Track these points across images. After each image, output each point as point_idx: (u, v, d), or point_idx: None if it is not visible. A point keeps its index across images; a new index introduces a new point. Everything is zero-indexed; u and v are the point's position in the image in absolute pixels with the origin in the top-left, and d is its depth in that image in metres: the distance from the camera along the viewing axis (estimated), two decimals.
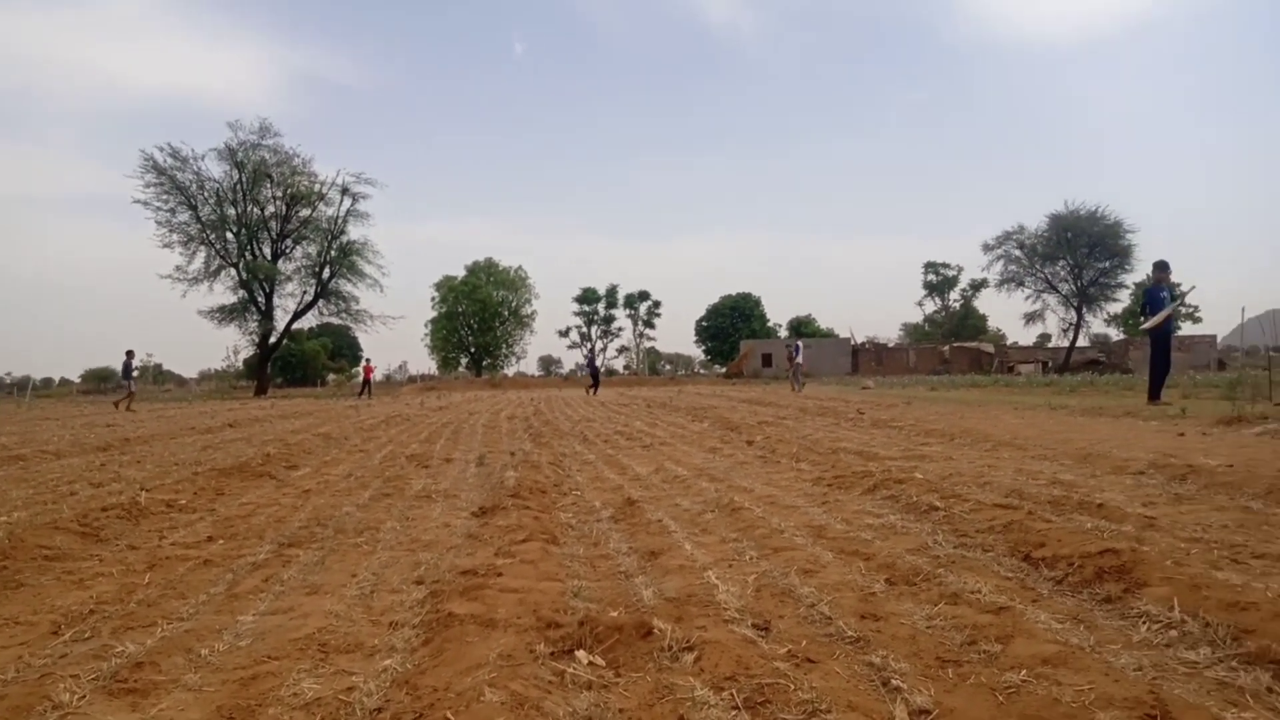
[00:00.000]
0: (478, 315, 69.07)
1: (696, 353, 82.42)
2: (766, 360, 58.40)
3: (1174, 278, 11.95)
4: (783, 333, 69.69)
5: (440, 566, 3.70)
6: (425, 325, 72.08)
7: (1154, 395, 11.67)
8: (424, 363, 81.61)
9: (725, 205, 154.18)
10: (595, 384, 30.73)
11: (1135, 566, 2.92)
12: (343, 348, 72.99)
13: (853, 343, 61.27)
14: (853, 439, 8.67)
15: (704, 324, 76.50)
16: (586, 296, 78.03)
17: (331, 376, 62.31)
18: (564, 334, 79.06)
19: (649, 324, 79.33)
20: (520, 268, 71.46)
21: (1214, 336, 53.84)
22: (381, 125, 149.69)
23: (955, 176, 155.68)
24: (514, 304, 71.37)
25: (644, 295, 78.48)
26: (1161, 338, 11.58)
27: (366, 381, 36.89)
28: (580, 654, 2.43)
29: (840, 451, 7.38)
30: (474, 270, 70.06)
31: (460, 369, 70.61)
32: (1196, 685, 2.10)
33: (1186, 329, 52.10)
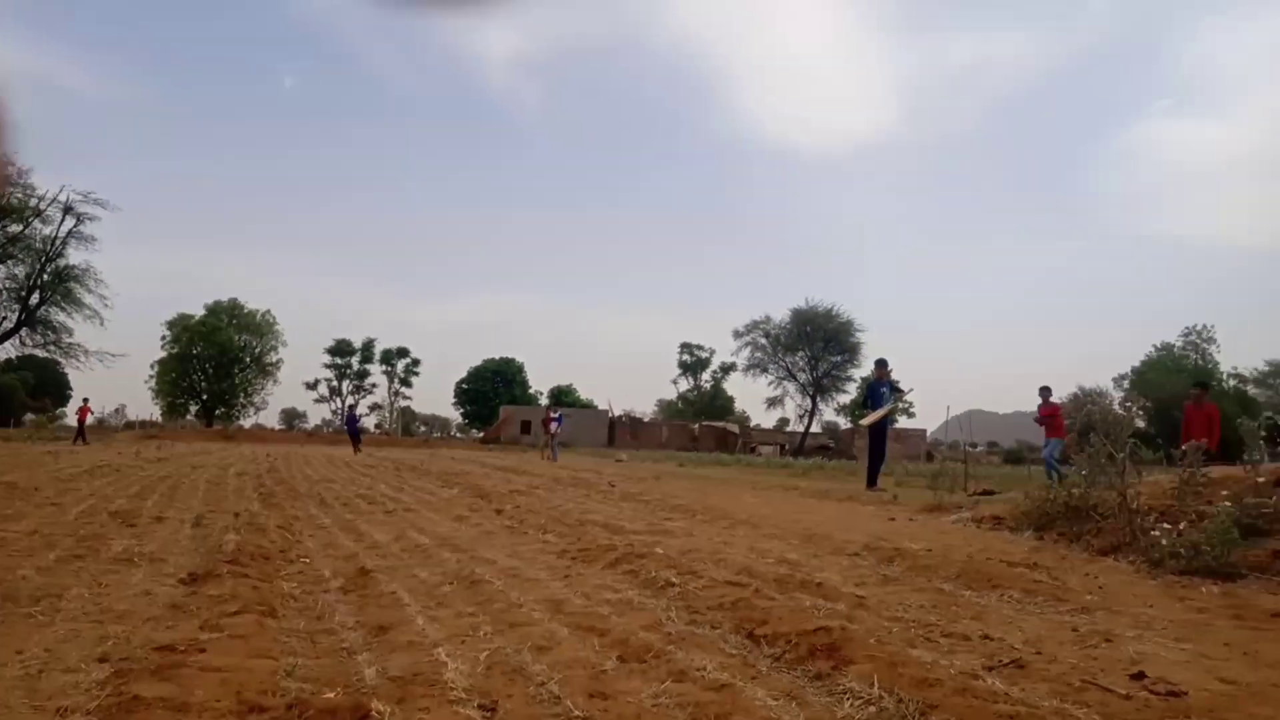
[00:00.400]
0: (215, 359, 63.20)
1: (454, 415, 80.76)
2: (525, 427, 58.17)
3: (894, 374, 13.35)
4: (543, 400, 69.92)
5: (132, 641, 3.26)
6: (151, 366, 64.99)
7: (871, 482, 12.83)
8: (146, 407, 73.08)
9: (493, 268, 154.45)
10: (356, 442, 28.93)
11: (844, 644, 3.13)
12: (47, 384, 64.23)
13: (610, 415, 62.69)
14: (602, 511, 8.77)
15: (464, 386, 75.16)
16: (340, 348, 74.23)
17: (30, 416, 54.46)
18: (312, 386, 74.53)
19: (406, 382, 76.67)
20: (269, 311, 66.11)
21: (924, 430, 60.52)
22: (122, 142, 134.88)
23: (713, 262, 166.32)
24: (258, 350, 66.12)
25: (403, 351, 75.96)
26: (879, 430, 12.82)
27: (81, 425, 32.57)
28: None
29: (588, 524, 7.42)
30: (215, 310, 64.04)
31: (189, 417, 64.17)
32: None
33: (902, 422, 58.23)
